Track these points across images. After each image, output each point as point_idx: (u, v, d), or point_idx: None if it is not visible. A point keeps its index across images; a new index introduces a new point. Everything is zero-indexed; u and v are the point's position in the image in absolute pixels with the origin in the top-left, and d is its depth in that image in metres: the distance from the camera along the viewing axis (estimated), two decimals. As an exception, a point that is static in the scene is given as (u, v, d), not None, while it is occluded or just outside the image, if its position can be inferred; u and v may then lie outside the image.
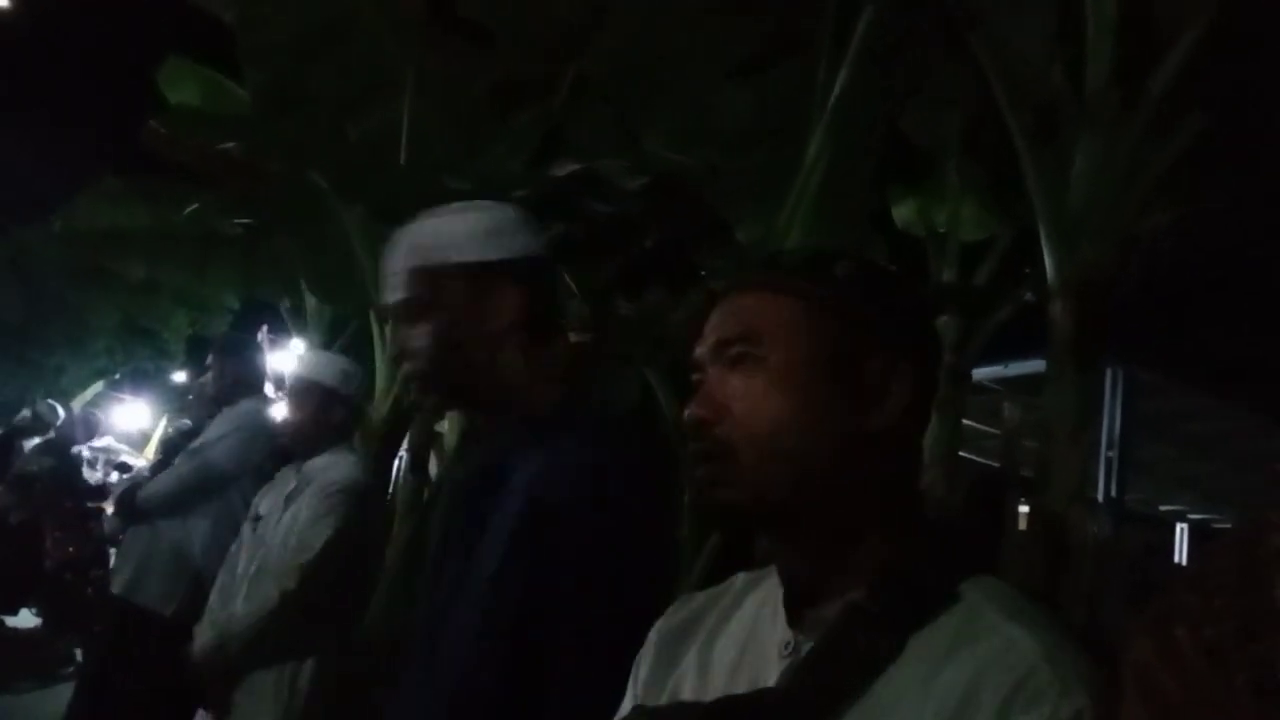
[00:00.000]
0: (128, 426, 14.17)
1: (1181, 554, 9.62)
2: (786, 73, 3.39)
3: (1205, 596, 0.53)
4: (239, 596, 2.37)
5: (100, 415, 8.16)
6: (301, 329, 6.21)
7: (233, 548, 2.57)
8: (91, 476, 6.92)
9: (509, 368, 1.21)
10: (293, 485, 2.46)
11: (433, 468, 5.25)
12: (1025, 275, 3.72)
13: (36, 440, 6.53)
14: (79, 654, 5.44)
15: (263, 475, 2.82)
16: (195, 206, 4.85)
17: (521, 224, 1.25)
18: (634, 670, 0.88)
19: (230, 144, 4.10)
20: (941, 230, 4.03)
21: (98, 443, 7.36)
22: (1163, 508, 9.88)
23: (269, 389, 3.87)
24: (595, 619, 1.04)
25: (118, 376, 14.86)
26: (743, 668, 0.78)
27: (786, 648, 0.76)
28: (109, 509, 3.63)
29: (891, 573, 0.74)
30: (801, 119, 3.31)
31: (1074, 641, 0.69)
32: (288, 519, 2.39)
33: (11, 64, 13.78)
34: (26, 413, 6.89)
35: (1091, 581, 2.30)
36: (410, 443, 5.01)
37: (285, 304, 6.29)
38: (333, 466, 2.45)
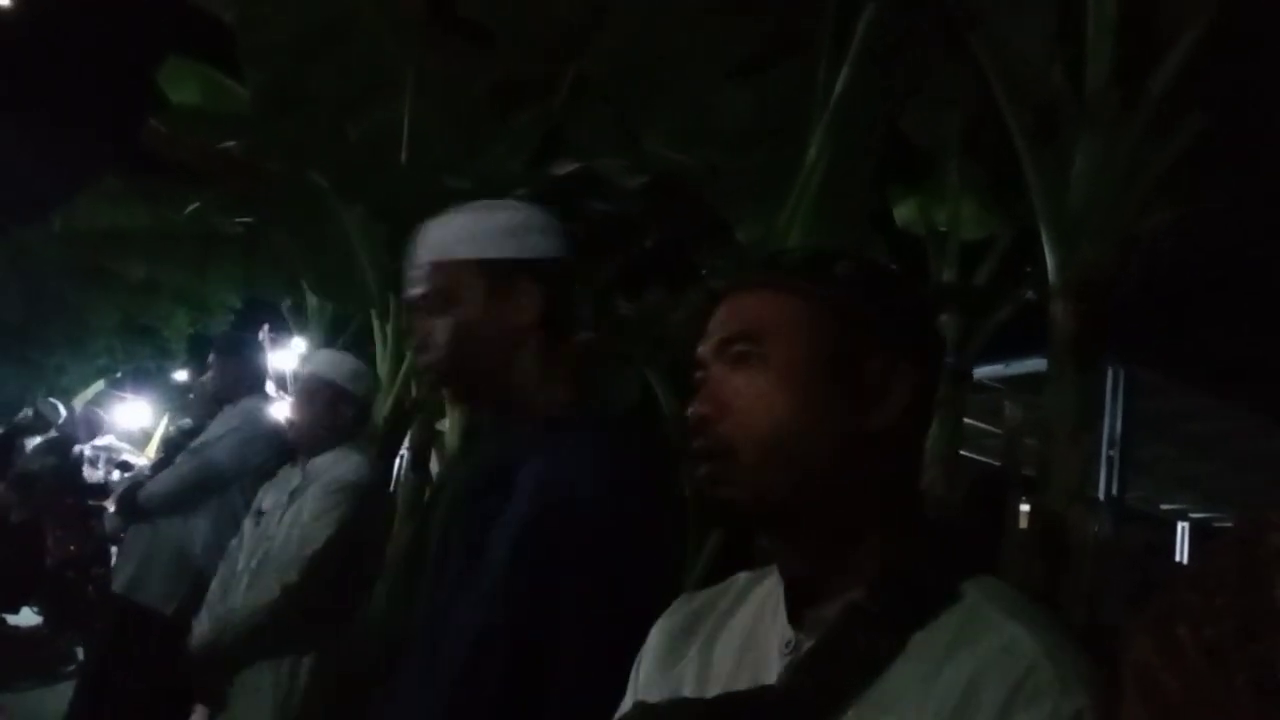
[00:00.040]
0: (129, 425, 14.17)
1: (1182, 553, 9.63)
2: (786, 73, 3.39)
3: (1206, 596, 0.53)
4: (239, 590, 2.37)
5: (102, 414, 8.15)
6: (302, 327, 6.21)
7: (233, 543, 2.57)
8: (93, 475, 6.91)
9: (525, 367, 1.22)
10: (297, 482, 2.46)
11: (433, 466, 5.25)
12: (1026, 274, 3.72)
13: (38, 439, 6.54)
14: (80, 652, 5.43)
15: (264, 474, 2.83)
16: (196, 206, 4.85)
17: (546, 225, 1.26)
18: (634, 669, 0.88)
19: (230, 143, 4.11)
20: (942, 229, 4.03)
21: (99, 441, 7.35)
22: (1163, 507, 9.88)
23: (270, 387, 3.88)
24: (600, 621, 1.04)
25: (119, 375, 14.87)
26: (743, 666, 0.78)
27: (787, 646, 0.76)
28: (110, 507, 3.63)
29: (892, 572, 0.74)
30: (801, 119, 3.31)
31: (1074, 641, 0.69)
32: (291, 514, 2.39)
33: (11, 64, 13.79)
34: (28, 412, 6.90)
35: (1092, 581, 2.30)
36: (411, 441, 5.02)
37: (286, 303, 6.30)
38: (338, 464, 2.45)
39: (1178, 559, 9.26)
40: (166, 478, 3.21)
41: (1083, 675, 0.66)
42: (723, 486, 0.76)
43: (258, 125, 4.26)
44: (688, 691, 0.80)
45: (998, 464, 5.59)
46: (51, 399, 7.40)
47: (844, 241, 3.39)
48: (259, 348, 3.69)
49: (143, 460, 7.69)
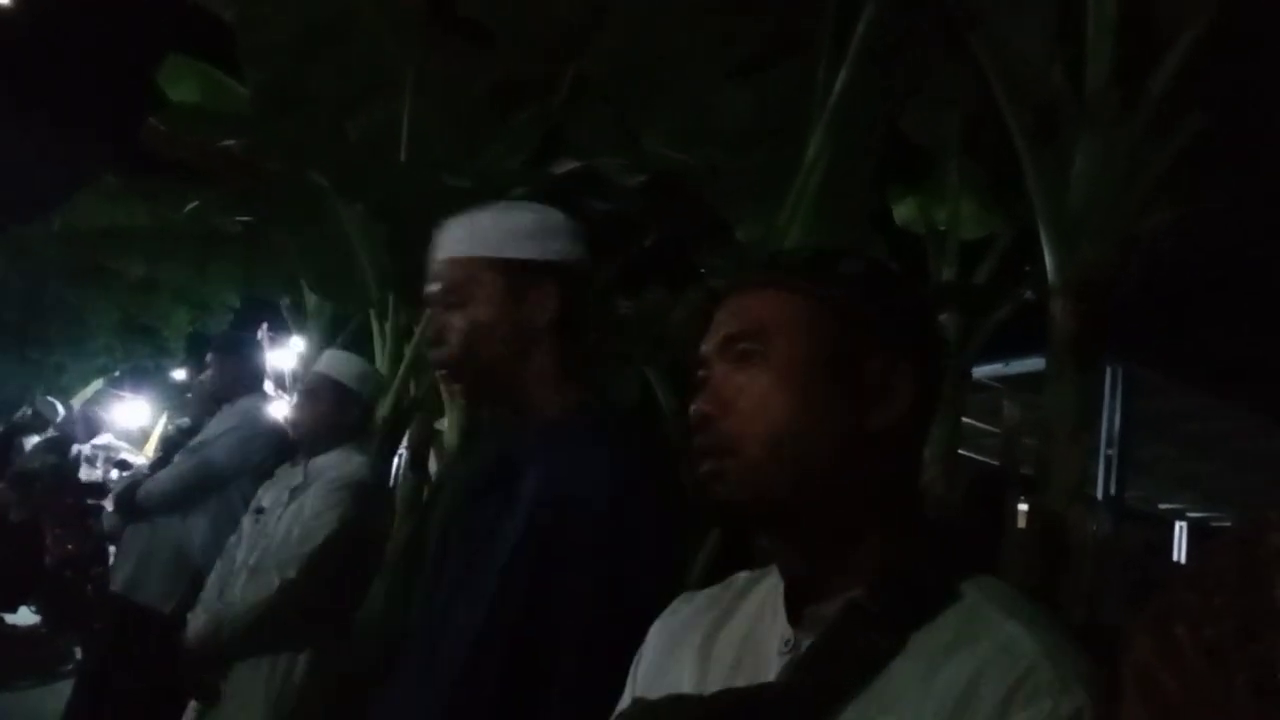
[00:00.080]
0: (128, 424, 14.20)
1: (1181, 552, 9.64)
2: (786, 73, 3.39)
3: (1205, 595, 0.53)
4: (237, 586, 2.37)
5: (100, 413, 8.15)
6: (301, 327, 6.20)
7: (231, 540, 2.56)
8: (91, 474, 6.92)
9: (537, 368, 1.23)
10: (299, 480, 2.46)
11: (432, 465, 5.25)
12: (1025, 274, 3.71)
13: (37, 438, 6.53)
14: (79, 652, 5.43)
15: (262, 473, 2.83)
16: (195, 204, 4.84)
17: (567, 229, 1.27)
18: (633, 668, 0.88)
19: (230, 142, 4.10)
20: (942, 229, 4.03)
21: (98, 440, 7.35)
22: (1162, 506, 9.89)
23: (268, 387, 3.87)
24: (599, 621, 1.04)
25: (118, 374, 14.87)
26: (743, 665, 0.78)
27: (786, 645, 0.76)
28: (108, 506, 3.63)
29: (891, 572, 0.74)
30: (801, 119, 3.30)
31: (1074, 640, 0.69)
32: (292, 512, 2.39)
33: (11, 64, 13.78)
34: (27, 410, 6.89)
35: (1091, 580, 2.30)
36: (410, 440, 5.01)
37: (285, 302, 6.29)
38: (342, 464, 2.46)
39: (1176, 558, 9.27)
40: (165, 477, 3.20)
41: (1082, 675, 0.66)
42: (724, 484, 0.76)
43: (257, 124, 4.26)
44: (686, 690, 0.80)
45: (997, 463, 5.59)
46: (50, 398, 7.39)
47: (844, 241, 3.39)
48: (258, 347, 3.70)
49: (141, 459, 7.70)
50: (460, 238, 1.25)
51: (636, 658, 0.88)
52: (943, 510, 3.39)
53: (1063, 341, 2.35)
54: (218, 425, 3.23)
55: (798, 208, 3.22)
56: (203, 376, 3.52)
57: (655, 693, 0.82)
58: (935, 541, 0.78)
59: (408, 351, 4.55)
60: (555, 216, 1.28)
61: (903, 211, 4.22)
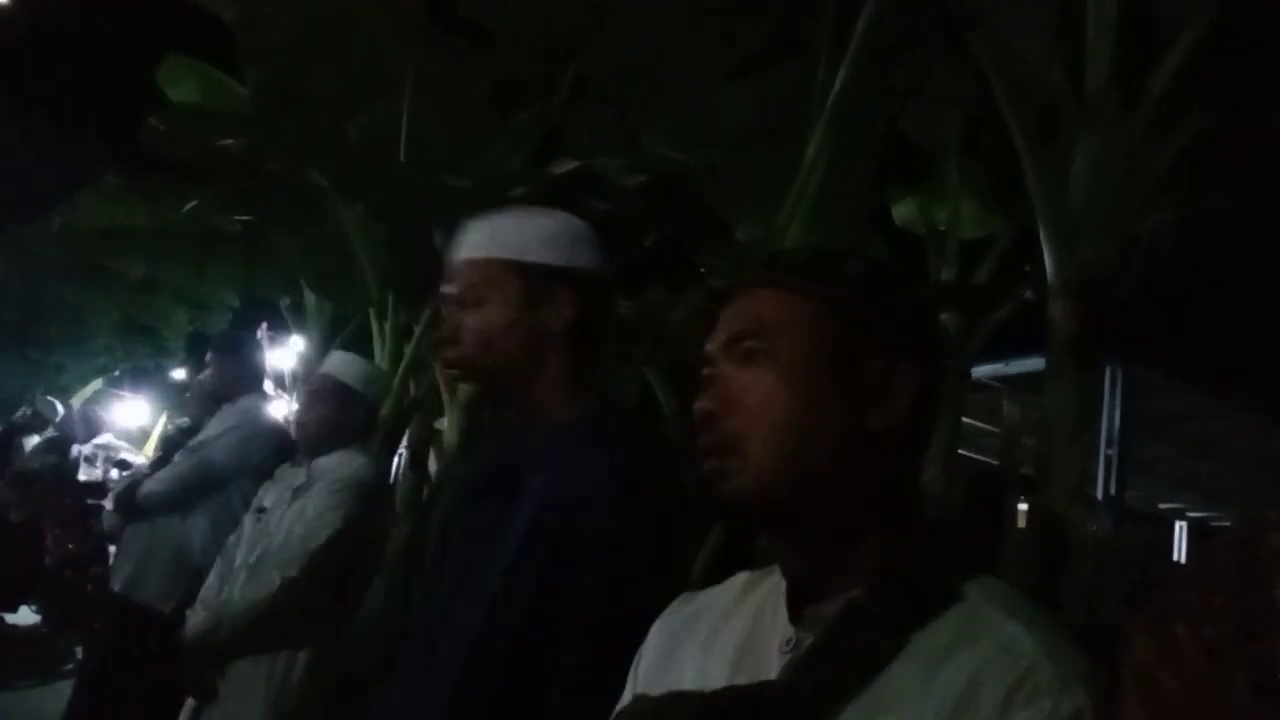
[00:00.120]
0: (127, 424, 14.20)
1: (1180, 552, 9.64)
2: (786, 73, 3.38)
3: (1205, 595, 0.53)
4: (237, 585, 2.37)
5: (100, 412, 8.15)
6: (301, 326, 6.20)
7: (231, 539, 2.56)
8: (91, 473, 6.92)
9: (550, 372, 1.23)
10: (301, 480, 2.46)
11: (432, 465, 5.25)
12: (1025, 274, 3.71)
13: (37, 438, 6.53)
14: (79, 651, 5.44)
15: (263, 472, 2.83)
16: (195, 204, 4.84)
17: (586, 236, 1.27)
18: (634, 667, 0.88)
19: (230, 141, 4.10)
20: (941, 229, 4.02)
21: (98, 440, 7.35)
22: (1162, 506, 9.89)
23: (268, 386, 3.87)
24: (600, 621, 1.05)
25: (117, 374, 14.87)
26: (743, 664, 0.78)
27: (787, 644, 0.76)
28: (108, 506, 3.63)
29: (891, 572, 0.74)
30: (801, 119, 3.30)
31: (1074, 640, 0.69)
32: (294, 512, 2.39)
33: (11, 64, 13.78)
34: (26, 410, 6.89)
35: (1091, 580, 2.30)
36: (410, 440, 5.01)
37: (285, 301, 6.28)
38: (344, 464, 2.46)
39: (1176, 558, 9.27)
40: (165, 476, 3.20)
41: (1082, 675, 0.66)
42: (727, 483, 0.76)
43: (257, 124, 4.26)
44: (687, 688, 0.80)
45: (997, 463, 5.59)
46: (50, 397, 7.39)
47: (844, 241, 3.39)
48: (257, 346, 3.70)
49: (141, 459, 7.70)
50: (480, 239, 1.25)
51: (637, 657, 0.89)
52: (943, 510, 3.39)
53: (1062, 341, 2.35)
54: (218, 425, 3.23)
55: (798, 208, 3.22)
56: (202, 376, 3.52)
57: (656, 691, 0.82)
58: (935, 541, 0.78)
59: (407, 351, 4.55)
60: (575, 223, 1.28)
61: (903, 211, 4.22)
